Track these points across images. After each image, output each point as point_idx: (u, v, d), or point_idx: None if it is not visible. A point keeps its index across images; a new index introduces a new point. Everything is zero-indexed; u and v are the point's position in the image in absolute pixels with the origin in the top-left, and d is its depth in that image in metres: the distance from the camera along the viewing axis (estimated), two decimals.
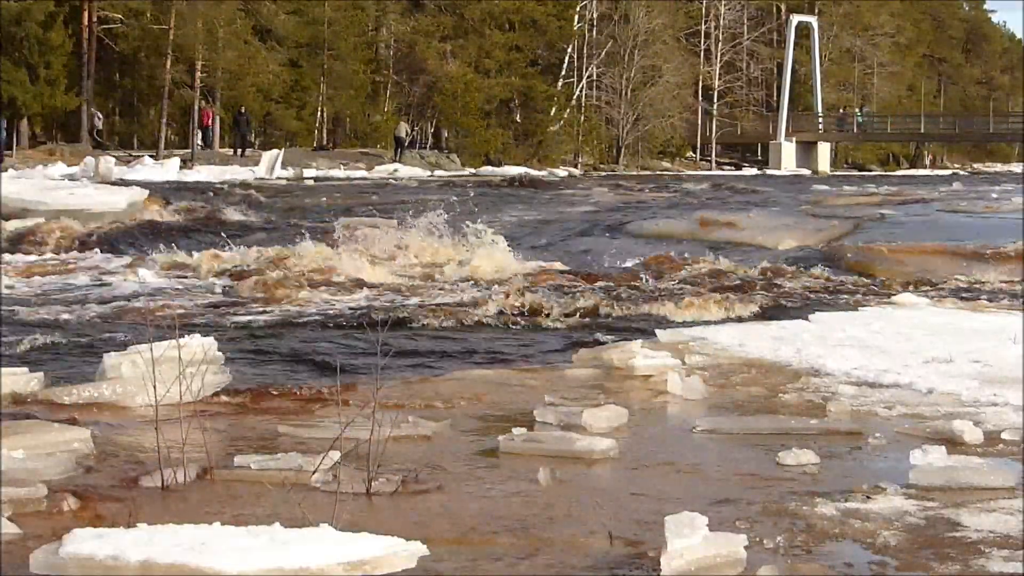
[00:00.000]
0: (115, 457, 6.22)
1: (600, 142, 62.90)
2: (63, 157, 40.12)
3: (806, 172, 63.25)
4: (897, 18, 79.71)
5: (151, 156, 41.73)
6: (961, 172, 74.76)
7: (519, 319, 12.42)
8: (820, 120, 70.38)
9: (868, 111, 71.39)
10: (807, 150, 68.00)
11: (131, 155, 42.75)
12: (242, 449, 6.31)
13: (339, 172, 44.64)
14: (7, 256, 18.45)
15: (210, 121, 46.61)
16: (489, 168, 53.19)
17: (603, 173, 56.32)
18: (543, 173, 52.44)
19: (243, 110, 45.86)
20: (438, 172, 49.55)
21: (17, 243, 20.10)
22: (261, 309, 13.21)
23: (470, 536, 4.98)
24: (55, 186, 26.14)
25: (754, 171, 63.48)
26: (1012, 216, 23.29)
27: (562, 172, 55.00)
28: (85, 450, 6.16)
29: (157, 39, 44.86)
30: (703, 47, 68.26)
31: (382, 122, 54.77)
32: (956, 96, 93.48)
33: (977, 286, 15.15)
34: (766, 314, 12.67)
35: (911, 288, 14.50)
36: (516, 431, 6.62)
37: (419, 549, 4.25)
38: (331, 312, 13.03)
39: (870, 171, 71.17)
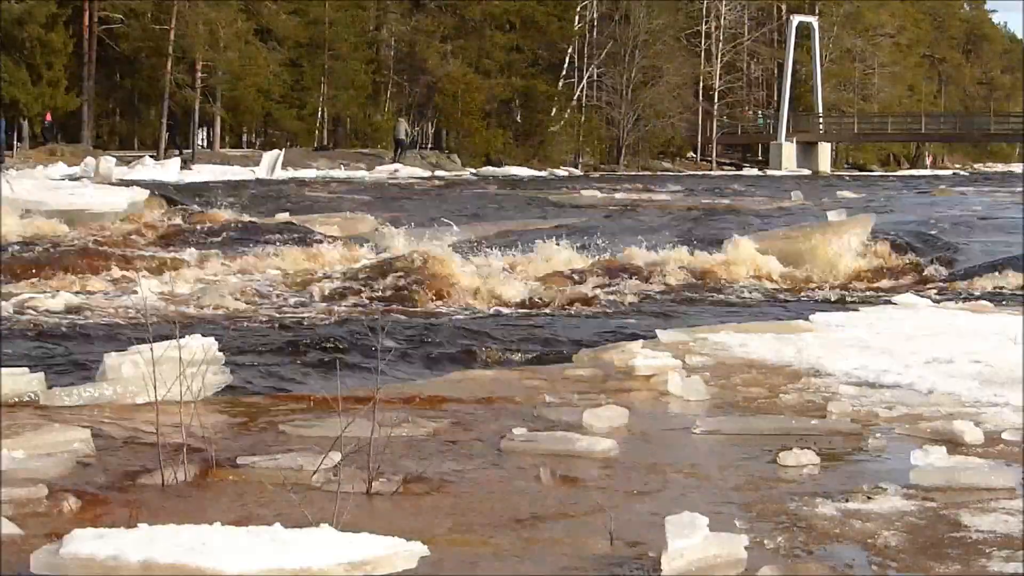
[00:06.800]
0: (115, 457, 6.21)
1: (601, 142, 62.92)
2: (63, 157, 40.13)
3: (806, 172, 63.27)
4: (897, 18, 79.79)
5: (151, 156, 41.74)
6: (962, 172, 74.80)
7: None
8: (820, 120, 70.40)
9: (767, 113, 71.49)
10: (807, 150, 68.00)
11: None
12: (242, 449, 6.31)
13: (339, 172, 44.61)
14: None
15: (50, 117, 44.77)
16: (490, 168, 53.19)
17: (604, 173, 56.33)
18: (544, 173, 52.45)
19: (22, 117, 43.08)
20: (439, 172, 49.53)
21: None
22: (261, 309, 13.19)
23: (470, 536, 4.97)
24: (55, 186, 26.11)
25: (755, 171, 63.51)
26: None
27: (562, 172, 54.99)
28: (85, 450, 6.15)
29: (158, 39, 44.88)
30: (703, 47, 68.29)
31: (383, 122, 54.80)
32: (956, 96, 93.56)
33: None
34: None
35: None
36: (516, 431, 6.62)
37: (419, 549, 4.25)
38: (332, 311, 13.02)
39: (871, 171, 71.18)
